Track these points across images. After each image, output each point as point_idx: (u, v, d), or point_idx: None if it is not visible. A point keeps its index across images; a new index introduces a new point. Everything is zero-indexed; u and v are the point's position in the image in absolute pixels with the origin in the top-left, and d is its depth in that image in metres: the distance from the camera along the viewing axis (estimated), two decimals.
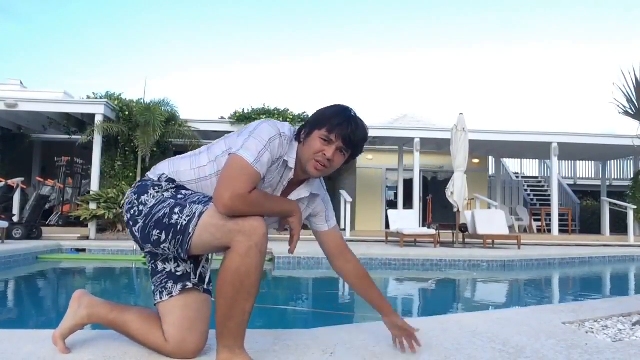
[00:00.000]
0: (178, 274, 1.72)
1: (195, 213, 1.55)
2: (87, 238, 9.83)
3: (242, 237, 1.49)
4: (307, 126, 1.71)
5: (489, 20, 34.84)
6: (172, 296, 1.70)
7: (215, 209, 1.53)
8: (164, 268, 1.73)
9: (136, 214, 1.66)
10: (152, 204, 1.64)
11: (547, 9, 33.41)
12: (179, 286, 1.71)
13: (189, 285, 1.72)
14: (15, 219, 9.43)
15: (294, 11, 34.85)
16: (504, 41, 37.67)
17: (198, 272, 1.77)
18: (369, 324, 2.33)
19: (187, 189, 1.69)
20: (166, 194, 1.65)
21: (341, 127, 1.67)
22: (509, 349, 1.94)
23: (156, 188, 1.67)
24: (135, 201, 1.68)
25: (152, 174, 1.74)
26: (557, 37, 37.37)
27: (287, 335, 2.07)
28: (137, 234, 1.66)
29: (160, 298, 1.72)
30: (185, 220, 1.56)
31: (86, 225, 10.23)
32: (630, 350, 2.00)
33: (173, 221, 1.57)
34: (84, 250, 8.17)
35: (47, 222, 10.90)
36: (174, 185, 1.69)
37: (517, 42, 38.03)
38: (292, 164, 1.69)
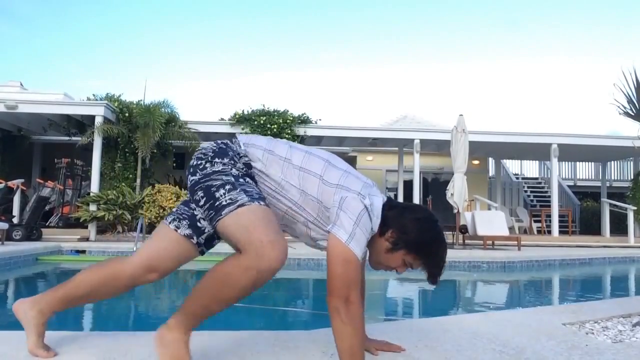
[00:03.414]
0: (198, 225, 1.73)
1: (237, 201, 1.54)
2: (87, 239, 9.82)
3: (254, 255, 1.46)
4: (398, 238, 1.65)
5: (489, 21, 34.87)
6: (177, 230, 1.73)
7: (256, 208, 1.53)
8: (193, 209, 1.74)
9: (200, 166, 1.65)
10: (217, 170, 1.63)
11: (547, 9, 33.44)
12: (188, 231, 1.73)
13: (194, 240, 1.74)
14: (15, 220, 9.43)
15: (294, 12, 34.90)
16: (504, 42, 37.69)
17: (208, 238, 1.77)
18: (367, 325, 2.33)
19: (255, 181, 1.67)
20: (233, 170, 1.64)
21: (429, 261, 1.67)
22: (509, 350, 1.94)
23: (233, 160, 1.66)
24: (210, 157, 1.66)
25: (243, 145, 1.71)
26: (557, 37, 37.41)
27: (287, 336, 2.07)
28: (189, 181, 1.68)
29: (166, 220, 1.76)
30: (225, 201, 1.55)
31: (86, 227, 10.23)
32: (630, 351, 2.00)
33: (217, 195, 1.57)
34: (84, 251, 8.16)
35: (47, 224, 10.90)
36: (248, 171, 1.67)
37: (517, 43, 38.07)
38: (375, 230, 1.67)
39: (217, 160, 1.65)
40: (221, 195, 1.56)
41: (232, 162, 1.66)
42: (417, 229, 1.67)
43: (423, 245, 1.66)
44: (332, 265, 1.53)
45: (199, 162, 1.67)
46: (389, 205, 1.72)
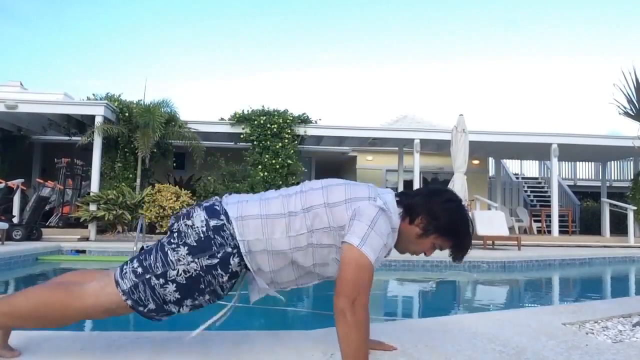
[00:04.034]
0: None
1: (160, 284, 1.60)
2: (87, 239, 9.82)
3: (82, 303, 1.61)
4: (428, 222, 1.69)
5: (489, 21, 34.87)
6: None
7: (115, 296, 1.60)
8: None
9: (174, 245, 1.65)
10: (189, 242, 1.63)
11: (547, 9, 33.43)
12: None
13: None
14: (15, 220, 9.42)
15: (294, 12, 34.89)
16: (504, 42, 37.70)
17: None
18: None
19: (217, 272, 1.62)
20: (204, 260, 1.61)
21: (458, 242, 1.74)
22: (509, 350, 1.94)
23: (217, 239, 1.62)
24: (194, 226, 1.65)
25: (236, 219, 1.64)
26: (557, 37, 37.40)
27: (288, 336, 2.07)
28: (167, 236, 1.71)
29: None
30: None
31: (86, 227, 10.23)
32: (630, 351, 2.00)
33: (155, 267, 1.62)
34: (84, 251, 8.16)
35: (47, 224, 10.89)
36: (229, 253, 1.62)
37: (517, 42, 38.06)
38: (396, 228, 1.69)
39: (196, 231, 1.63)
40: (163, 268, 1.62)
41: (220, 240, 1.62)
42: (447, 212, 1.71)
43: (454, 228, 1.72)
44: (344, 267, 1.53)
45: (178, 240, 1.64)
46: (406, 194, 1.76)
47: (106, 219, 10.10)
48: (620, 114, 3.12)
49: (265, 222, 1.64)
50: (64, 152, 12.50)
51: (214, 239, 1.62)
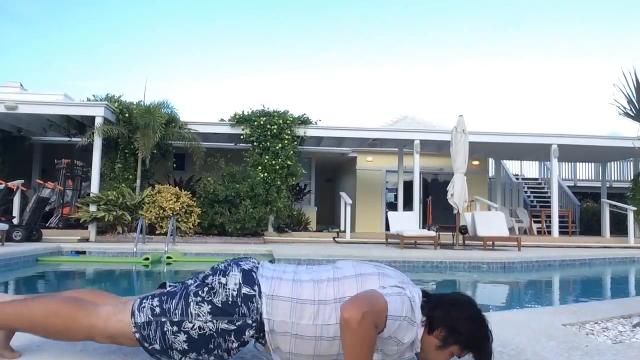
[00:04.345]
0: None
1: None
2: (87, 240, 9.82)
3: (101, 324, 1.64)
4: (449, 335, 1.65)
5: (489, 21, 34.88)
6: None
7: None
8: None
9: (208, 293, 1.65)
10: (215, 301, 1.63)
11: (547, 9, 33.45)
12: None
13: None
14: (15, 221, 9.42)
15: (295, 13, 34.91)
16: (504, 43, 37.71)
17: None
18: None
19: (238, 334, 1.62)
20: (222, 323, 1.61)
21: (479, 354, 1.67)
22: (509, 351, 1.94)
23: (243, 308, 1.62)
24: (227, 287, 1.65)
25: (268, 296, 1.63)
26: (557, 38, 37.41)
27: None
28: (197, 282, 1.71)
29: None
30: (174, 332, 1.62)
31: (86, 228, 10.22)
32: (630, 352, 2.00)
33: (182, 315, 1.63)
34: (84, 252, 8.17)
35: (47, 225, 10.89)
36: (253, 326, 1.62)
37: (517, 43, 38.08)
38: (417, 324, 1.64)
39: (227, 293, 1.63)
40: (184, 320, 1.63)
41: (244, 309, 1.61)
42: (467, 328, 1.66)
43: (474, 342, 1.67)
44: (363, 292, 1.55)
45: (205, 296, 1.64)
46: (428, 300, 1.70)
47: (106, 219, 10.10)
48: (620, 114, 3.13)
49: (294, 305, 1.63)
50: (64, 153, 12.50)
51: (240, 307, 1.62)
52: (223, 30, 37.54)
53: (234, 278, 1.65)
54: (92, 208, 10.25)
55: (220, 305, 1.61)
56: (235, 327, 1.61)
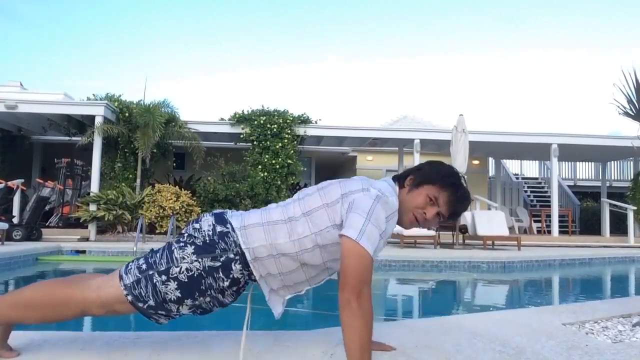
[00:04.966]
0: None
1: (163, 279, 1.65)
2: (87, 239, 9.82)
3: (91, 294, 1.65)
4: (417, 176, 1.75)
5: (489, 21, 34.87)
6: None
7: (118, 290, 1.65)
8: None
9: (188, 238, 1.71)
10: (197, 242, 1.68)
11: (548, 8, 33.43)
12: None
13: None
14: (15, 220, 9.43)
15: (295, 12, 34.90)
16: (504, 42, 37.69)
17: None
18: None
19: (225, 273, 1.67)
20: (207, 261, 1.65)
21: (450, 190, 1.71)
22: (509, 350, 1.94)
23: (221, 243, 1.67)
24: (202, 230, 1.71)
25: (240, 228, 1.70)
26: (557, 37, 37.40)
27: (287, 336, 2.06)
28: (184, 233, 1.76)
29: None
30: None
31: (86, 227, 10.23)
32: (630, 351, 2.00)
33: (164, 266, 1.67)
34: (84, 251, 8.16)
35: (47, 224, 10.89)
36: (233, 259, 1.68)
37: (517, 42, 38.06)
38: (396, 209, 1.70)
39: (204, 235, 1.69)
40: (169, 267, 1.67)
41: (223, 245, 1.68)
42: (431, 164, 1.79)
43: (442, 173, 1.74)
44: (345, 260, 1.55)
45: (185, 240, 1.70)
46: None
47: (106, 219, 10.10)
48: (620, 114, 3.13)
49: (267, 228, 1.69)
50: (64, 152, 12.51)
51: (218, 243, 1.67)
52: (223, 30, 37.55)
53: (207, 221, 1.72)
54: (92, 207, 10.25)
55: (201, 244, 1.67)
56: (220, 263, 1.66)
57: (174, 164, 13.73)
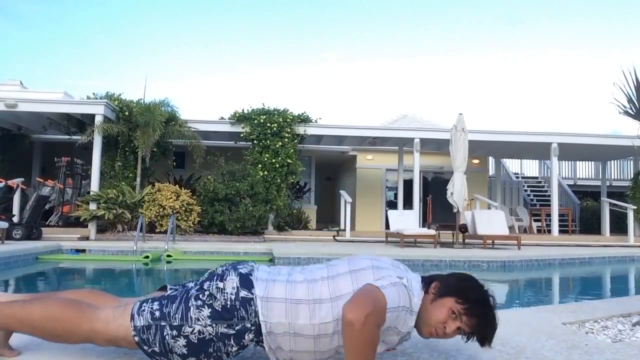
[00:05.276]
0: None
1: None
2: (87, 238, 9.82)
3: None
4: (443, 285, 1.68)
5: (489, 20, 34.84)
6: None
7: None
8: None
9: (208, 297, 1.65)
10: (216, 307, 1.63)
11: (548, 7, 33.41)
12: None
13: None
14: (15, 219, 9.42)
15: (295, 12, 34.87)
16: (504, 41, 37.67)
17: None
18: None
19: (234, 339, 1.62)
20: (221, 327, 1.60)
21: (477, 317, 1.65)
22: (509, 349, 1.94)
23: (241, 311, 1.61)
24: (225, 292, 1.64)
25: (262, 298, 1.62)
26: (557, 36, 37.38)
27: None
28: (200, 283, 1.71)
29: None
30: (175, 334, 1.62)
31: (86, 226, 10.22)
32: (630, 350, 2.00)
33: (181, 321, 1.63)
34: (84, 250, 8.16)
35: (47, 223, 10.89)
36: (252, 330, 1.62)
37: (517, 41, 38.04)
38: (416, 311, 1.65)
39: (222, 299, 1.63)
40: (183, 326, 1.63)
41: (242, 314, 1.62)
42: (459, 277, 1.71)
43: (467, 289, 1.67)
44: (361, 289, 1.55)
45: (204, 300, 1.64)
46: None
47: (106, 218, 10.10)
48: (620, 113, 3.13)
49: (289, 306, 1.62)
50: (64, 151, 12.50)
51: (239, 310, 1.62)
52: (223, 30, 37.52)
53: (232, 282, 1.65)
54: (92, 206, 10.25)
55: (219, 309, 1.61)
56: (234, 332, 1.61)
57: (174, 163, 13.72)
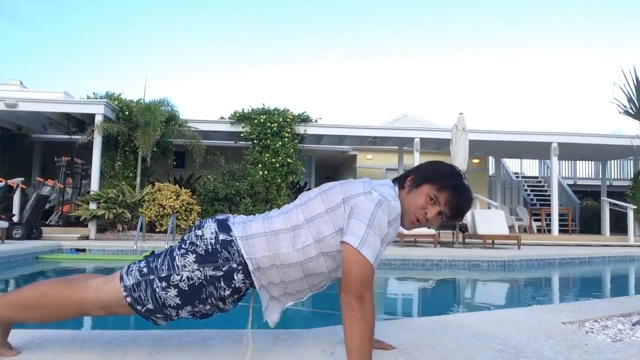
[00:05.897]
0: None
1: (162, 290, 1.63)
2: (87, 238, 9.82)
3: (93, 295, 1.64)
4: (417, 176, 1.73)
5: (489, 20, 34.83)
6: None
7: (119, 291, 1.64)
8: None
9: (184, 251, 1.67)
10: (199, 250, 1.65)
11: (548, 7, 33.40)
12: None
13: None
14: (15, 219, 9.43)
15: (295, 12, 34.86)
16: (505, 41, 37.66)
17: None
18: None
19: (227, 281, 1.64)
20: (208, 270, 1.62)
21: (452, 191, 1.69)
22: (509, 349, 1.94)
23: (224, 253, 1.64)
24: (204, 237, 1.66)
25: (242, 238, 1.65)
26: (558, 36, 37.37)
27: (287, 335, 2.06)
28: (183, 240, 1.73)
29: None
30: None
31: (86, 225, 10.23)
32: (630, 350, 2.00)
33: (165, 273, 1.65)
34: (84, 250, 8.16)
35: (47, 222, 10.89)
36: (236, 268, 1.64)
37: (517, 41, 38.03)
38: (399, 211, 1.68)
39: (206, 241, 1.65)
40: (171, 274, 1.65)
41: (226, 254, 1.64)
42: (432, 163, 1.78)
43: (442, 173, 1.72)
44: (346, 266, 1.54)
45: (192, 238, 1.67)
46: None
47: (106, 217, 10.10)
48: (620, 112, 3.12)
49: (269, 238, 1.65)
50: (64, 151, 12.51)
51: (221, 252, 1.64)
52: (222, 29, 37.51)
53: (210, 228, 1.68)
54: (92, 206, 10.25)
55: (203, 253, 1.64)
56: (222, 273, 1.63)
57: (174, 163, 13.73)
